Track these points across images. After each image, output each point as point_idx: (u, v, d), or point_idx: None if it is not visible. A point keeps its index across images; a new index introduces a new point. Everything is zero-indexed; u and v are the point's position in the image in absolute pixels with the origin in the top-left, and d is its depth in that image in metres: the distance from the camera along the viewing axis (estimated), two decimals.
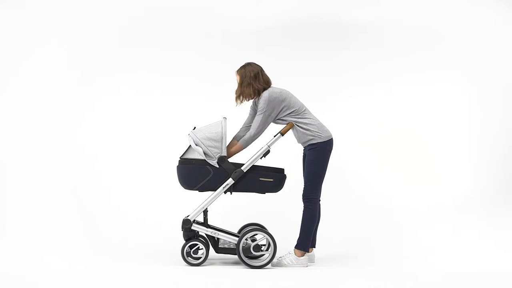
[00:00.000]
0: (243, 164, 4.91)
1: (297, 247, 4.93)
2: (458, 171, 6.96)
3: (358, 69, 7.15)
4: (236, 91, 4.98)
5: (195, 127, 4.97)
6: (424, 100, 7.15)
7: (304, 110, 4.94)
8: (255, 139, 4.92)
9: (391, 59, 7.16)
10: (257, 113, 4.89)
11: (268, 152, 4.94)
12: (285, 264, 4.92)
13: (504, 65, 7.16)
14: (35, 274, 4.60)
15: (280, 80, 5.23)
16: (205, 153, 4.85)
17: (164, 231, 5.86)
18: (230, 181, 4.88)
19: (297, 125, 4.91)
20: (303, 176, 5.00)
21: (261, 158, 4.93)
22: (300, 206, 4.96)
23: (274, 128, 5.16)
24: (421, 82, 7.15)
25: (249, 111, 5.15)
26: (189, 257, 4.88)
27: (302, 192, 4.94)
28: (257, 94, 4.91)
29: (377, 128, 7.04)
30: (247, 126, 5.11)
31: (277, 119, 4.94)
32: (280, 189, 4.99)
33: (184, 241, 4.94)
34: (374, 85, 7.13)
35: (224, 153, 4.87)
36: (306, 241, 4.91)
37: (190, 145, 4.95)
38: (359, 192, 6.68)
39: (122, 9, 6.96)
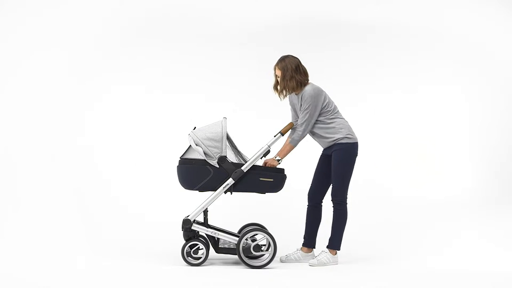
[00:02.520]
0: (243, 164, 4.91)
1: (330, 247, 4.96)
2: (458, 171, 6.96)
3: (358, 69, 7.15)
4: (279, 85, 4.95)
5: (195, 127, 4.97)
6: (423, 100, 7.15)
7: (338, 111, 4.99)
8: (304, 136, 4.91)
9: (391, 59, 7.16)
10: (303, 111, 4.87)
11: (268, 152, 4.94)
12: (324, 263, 4.94)
13: (504, 65, 7.16)
14: (35, 274, 4.60)
15: None
16: (205, 153, 4.85)
17: (164, 231, 5.86)
18: (230, 181, 4.88)
19: (329, 124, 4.91)
20: (332, 177, 4.95)
21: (261, 158, 4.93)
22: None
23: (274, 128, 5.17)
24: (421, 82, 7.15)
25: (290, 108, 5.12)
26: (189, 257, 4.88)
27: (330, 192, 4.95)
28: (299, 86, 4.90)
29: (376, 128, 7.04)
30: (293, 122, 5.10)
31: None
32: (280, 189, 4.98)
33: (184, 241, 4.94)
34: (374, 85, 7.13)
35: (224, 153, 4.86)
36: (339, 241, 4.97)
37: (190, 145, 4.95)
38: (358, 192, 6.67)
39: (122, 9, 6.96)
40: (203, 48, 7.03)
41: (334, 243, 4.97)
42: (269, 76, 5.05)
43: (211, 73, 7.01)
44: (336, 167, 4.92)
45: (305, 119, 4.86)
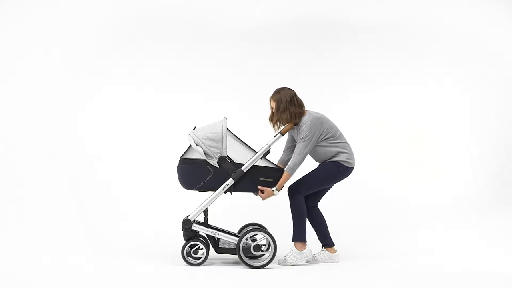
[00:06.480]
0: (243, 164, 4.91)
1: (293, 239, 4.97)
2: (458, 171, 6.96)
3: (358, 69, 7.15)
4: (273, 117, 4.97)
5: (195, 127, 4.97)
6: (424, 100, 7.16)
7: (339, 134, 4.98)
8: (300, 165, 4.89)
9: (390, 59, 7.17)
10: (300, 140, 4.86)
11: (268, 152, 4.94)
12: (291, 262, 4.94)
13: (505, 65, 7.17)
14: (34, 274, 4.60)
15: (280, 80, 5.22)
16: (205, 153, 4.85)
17: (164, 231, 5.86)
18: (230, 181, 4.88)
19: (332, 148, 4.92)
20: (308, 173, 5.00)
21: (261, 158, 4.93)
22: None
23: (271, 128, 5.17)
24: (421, 82, 7.15)
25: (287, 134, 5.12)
26: (189, 257, 4.88)
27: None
28: (293, 118, 4.89)
29: (376, 128, 7.04)
30: (288, 147, 5.12)
31: (316, 145, 4.94)
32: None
33: (184, 241, 4.94)
34: (374, 85, 7.14)
35: (225, 153, 4.86)
36: (297, 232, 4.94)
37: (190, 145, 4.95)
38: (358, 192, 6.68)
39: (123, 9, 6.96)
40: (204, 47, 7.03)
41: (294, 235, 4.97)
42: (269, 76, 5.04)
43: (211, 73, 7.01)
44: (319, 171, 4.98)
45: (302, 149, 4.85)
